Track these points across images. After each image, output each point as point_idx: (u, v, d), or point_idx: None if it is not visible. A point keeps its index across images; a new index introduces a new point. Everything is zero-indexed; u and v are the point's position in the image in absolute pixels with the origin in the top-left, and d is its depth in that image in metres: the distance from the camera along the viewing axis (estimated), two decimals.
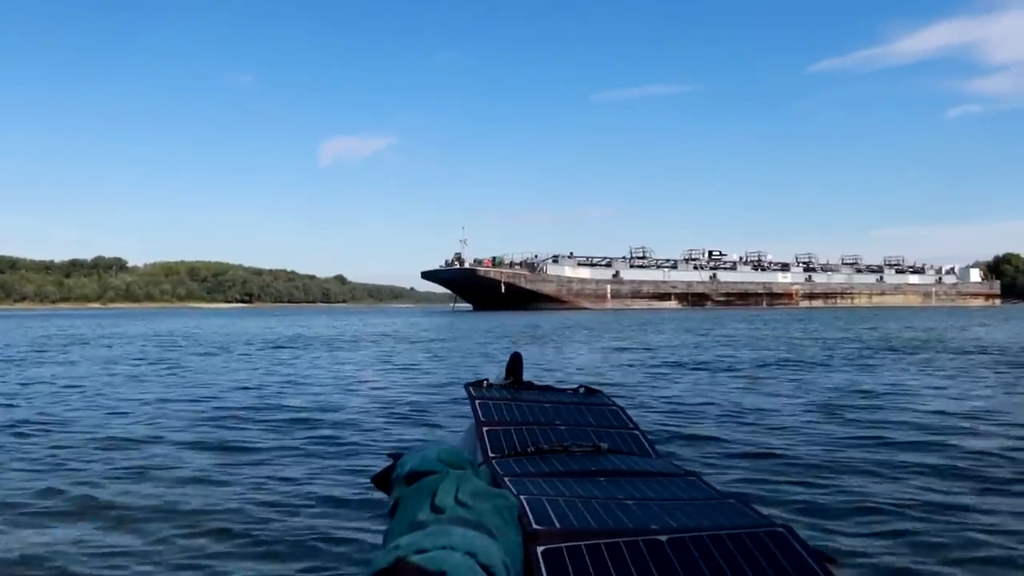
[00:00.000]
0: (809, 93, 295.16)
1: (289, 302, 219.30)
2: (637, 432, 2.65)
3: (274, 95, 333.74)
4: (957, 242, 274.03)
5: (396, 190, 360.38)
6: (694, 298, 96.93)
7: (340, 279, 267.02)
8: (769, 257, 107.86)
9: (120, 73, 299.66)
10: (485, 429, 2.52)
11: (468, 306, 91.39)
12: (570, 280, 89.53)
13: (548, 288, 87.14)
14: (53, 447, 6.40)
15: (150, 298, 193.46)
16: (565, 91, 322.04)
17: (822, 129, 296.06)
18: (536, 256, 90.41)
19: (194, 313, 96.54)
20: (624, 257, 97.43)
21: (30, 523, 4.28)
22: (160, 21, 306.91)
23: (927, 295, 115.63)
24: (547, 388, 3.13)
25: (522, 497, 1.76)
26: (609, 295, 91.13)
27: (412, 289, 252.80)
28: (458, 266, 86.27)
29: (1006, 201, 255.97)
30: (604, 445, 2.41)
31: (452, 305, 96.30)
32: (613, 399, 3.00)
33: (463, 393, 3.04)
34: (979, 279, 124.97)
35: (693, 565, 1.46)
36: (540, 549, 1.49)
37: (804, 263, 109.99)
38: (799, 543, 1.53)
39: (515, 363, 3.28)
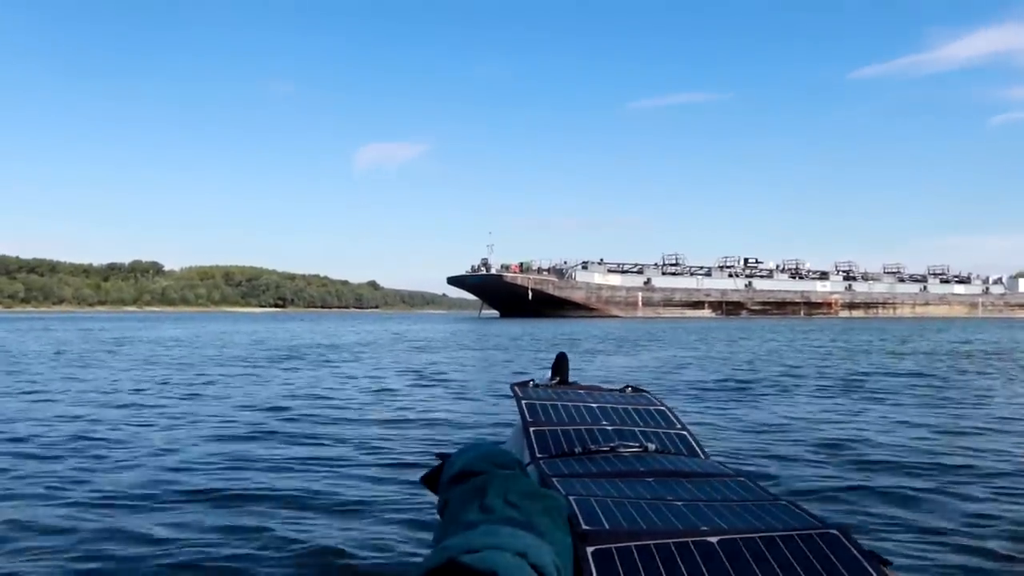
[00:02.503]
0: (849, 100, 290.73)
1: (322, 307, 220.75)
2: (685, 432, 2.62)
3: (313, 102, 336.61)
4: (1000, 251, 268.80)
5: (429, 196, 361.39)
6: (728, 307, 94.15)
7: (373, 284, 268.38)
8: (807, 265, 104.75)
9: (161, 79, 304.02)
10: (532, 430, 2.51)
11: (495, 313, 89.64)
12: (600, 287, 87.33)
13: (577, 295, 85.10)
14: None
15: (185, 302, 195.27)
16: (600, 99, 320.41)
17: (862, 136, 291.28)
18: (565, 262, 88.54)
19: (229, 317, 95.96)
20: (656, 264, 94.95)
21: None
22: (203, 29, 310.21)
23: (973, 306, 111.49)
24: (593, 388, 3.08)
25: (571, 497, 1.77)
26: (640, 303, 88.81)
27: (444, 295, 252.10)
28: (485, 272, 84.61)
29: None
30: (652, 446, 2.40)
31: (479, 312, 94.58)
32: (661, 399, 2.94)
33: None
34: None
35: (745, 567, 1.45)
36: (590, 550, 1.49)
37: (844, 272, 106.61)
38: (853, 545, 1.51)
39: (561, 363, 3.23)
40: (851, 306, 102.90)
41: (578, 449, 2.37)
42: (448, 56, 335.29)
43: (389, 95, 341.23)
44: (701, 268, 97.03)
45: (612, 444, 2.40)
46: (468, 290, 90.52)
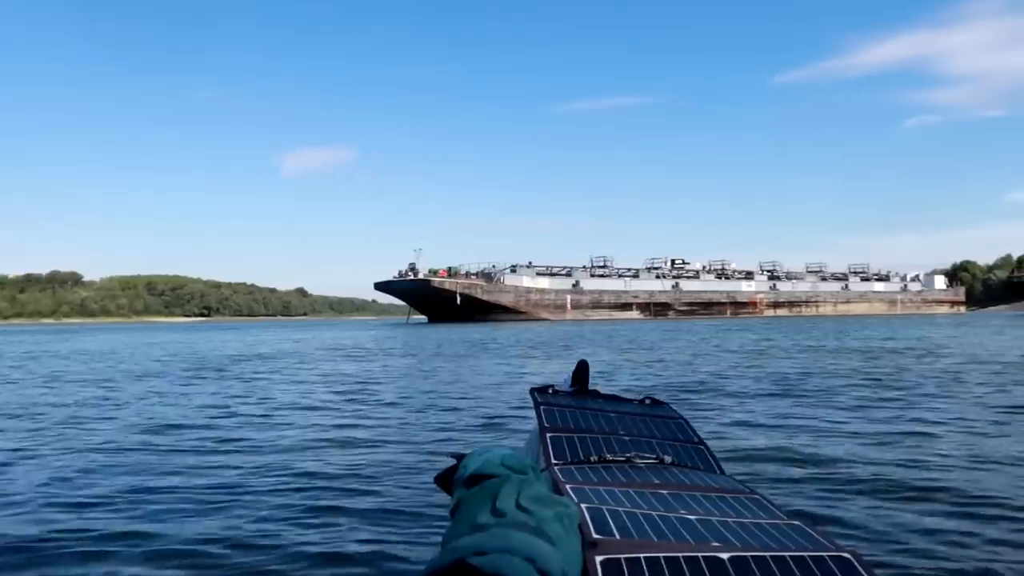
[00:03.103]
0: (772, 104, 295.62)
1: (249, 315, 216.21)
2: (702, 447, 2.61)
3: (237, 108, 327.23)
4: (917, 250, 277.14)
5: (358, 201, 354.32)
6: (656, 308, 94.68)
7: (301, 292, 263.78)
8: (733, 266, 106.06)
9: (77, 82, 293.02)
10: (549, 435, 2.50)
11: (423, 318, 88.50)
12: (528, 290, 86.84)
13: (506, 299, 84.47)
14: None
15: (106, 313, 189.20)
16: (527, 102, 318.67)
17: (784, 139, 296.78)
18: (494, 266, 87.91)
19: (150, 327, 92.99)
20: (585, 266, 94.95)
21: None
22: (121, 32, 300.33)
23: (893, 303, 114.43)
24: (612, 397, 3.08)
25: (583, 506, 1.77)
26: (569, 305, 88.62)
27: (373, 301, 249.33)
28: (412, 277, 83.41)
29: (963, 210, 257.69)
30: (668, 458, 2.40)
31: (407, 318, 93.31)
32: (679, 411, 2.93)
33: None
34: (944, 286, 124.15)
35: None
36: (599, 559, 1.48)
37: (768, 271, 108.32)
38: (866, 569, 1.50)
39: (582, 370, 3.22)
40: (776, 305, 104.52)
41: (594, 457, 2.35)
42: (375, 60, 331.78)
43: (315, 100, 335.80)
44: (629, 270, 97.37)
45: (628, 454, 2.38)
46: (396, 296, 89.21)
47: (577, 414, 2.76)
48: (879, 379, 12.84)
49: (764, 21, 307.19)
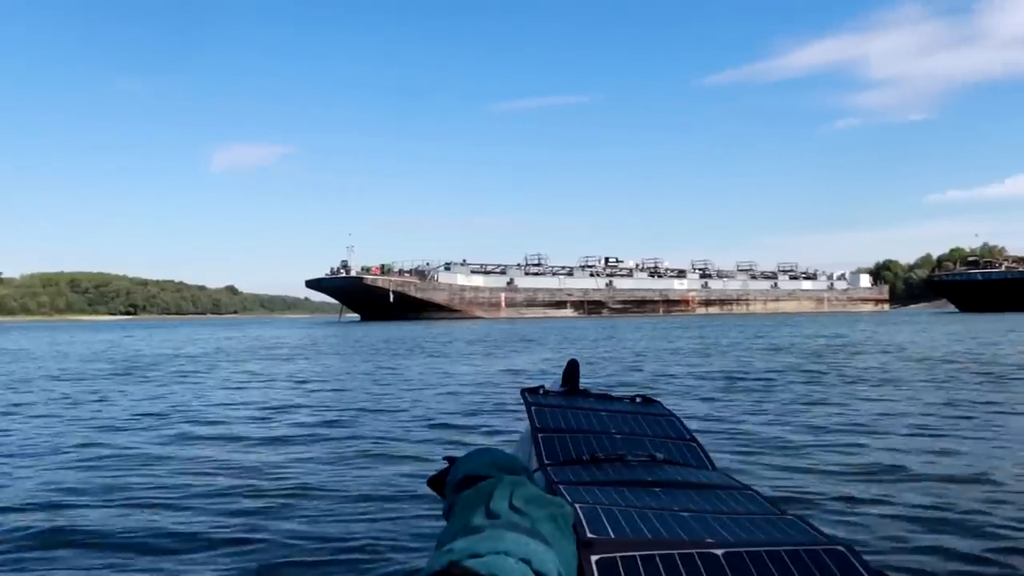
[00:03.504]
0: (703, 105, 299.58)
1: (177, 314, 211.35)
2: (694, 443, 2.61)
3: (165, 102, 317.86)
4: (843, 250, 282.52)
5: (291, 199, 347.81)
6: (590, 306, 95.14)
7: (231, 289, 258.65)
8: (666, 264, 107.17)
9: None
10: (541, 436, 2.50)
11: (356, 316, 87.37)
12: (463, 288, 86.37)
13: (439, 297, 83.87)
14: None
15: (26, 311, 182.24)
16: (463, 100, 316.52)
17: (716, 140, 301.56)
18: (428, 264, 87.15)
19: (73, 325, 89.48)
20: (519, 264, 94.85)
21: None
22: (42, 24, 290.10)
23: (820, 301, 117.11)
24: (603, 396, 3.09)
25: (577, 505, 1.77)
26: (503, 303, 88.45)
27: (306, 299, 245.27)
28: (344, 274, 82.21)
29: (886, 211, 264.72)
30: (660, 455, 2.41)
31: (339, 316, 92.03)
32: (670, 409, 2.94)
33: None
34: (869, 285, 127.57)
35: None
36: (594, 558, 1.49)
37: (700, 270, 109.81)
38: (859, 562, 1.49)
39: (572, 370, 3.22)
40: (707, 303, 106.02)
41: (586, 456, 2.34)
42: (309, 57, 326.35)
43: (248, 95, 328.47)
44: (563, 268, 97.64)
45: (620, 452, 2.39)
46: (327, 293, 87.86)
47: (568, 414, 2.74)
48: (830, 373, 12.83)
49: (694, 23, 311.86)
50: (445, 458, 1.84)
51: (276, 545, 3.90)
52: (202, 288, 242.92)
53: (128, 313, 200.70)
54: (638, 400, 3.09)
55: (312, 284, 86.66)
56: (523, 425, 2.89)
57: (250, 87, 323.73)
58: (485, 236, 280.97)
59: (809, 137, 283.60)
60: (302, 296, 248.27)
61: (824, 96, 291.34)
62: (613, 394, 3.14)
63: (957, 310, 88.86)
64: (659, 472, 2.25)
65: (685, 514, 1.80)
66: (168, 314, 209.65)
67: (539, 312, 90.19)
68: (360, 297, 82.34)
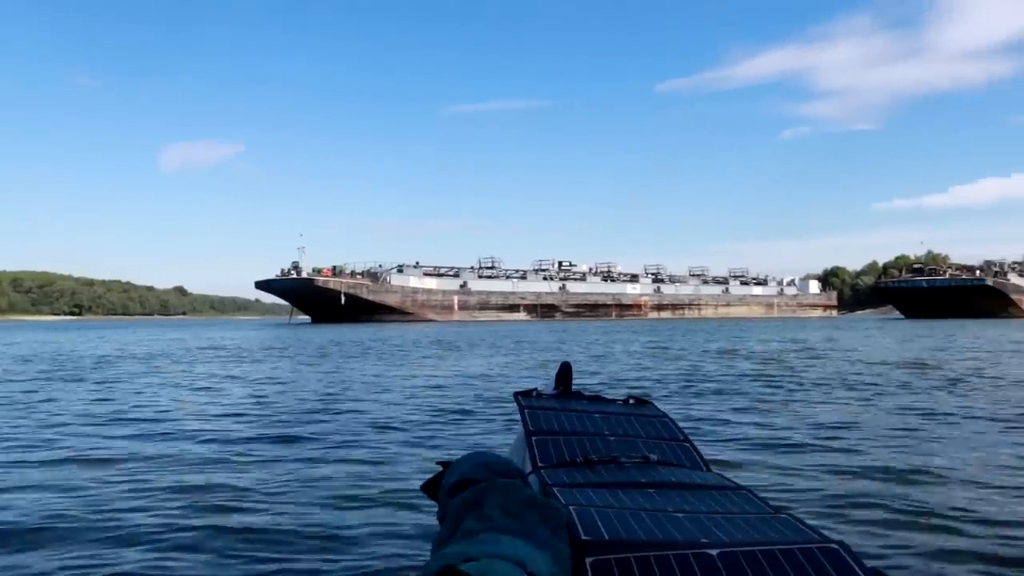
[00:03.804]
0: (657, 111, 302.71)
1: (124, 314, 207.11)
2: (687, 444, 2.61)
3: (112, 99, 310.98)
4: (792, 256, 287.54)
5: (243, 198, 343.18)
6: (543, 309, 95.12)
7: (180, 290, 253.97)
8: (619, 268, 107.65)
9: None
10: (534, 438, 2.49)
11: (307, 318, 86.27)
12: (415, 291, 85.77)
13: (392, 299, 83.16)
14: None
15: None
16: (419, 102, 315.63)
17: (670, 146, 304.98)
18: (380, 266, 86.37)
19: (14, 326, 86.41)
20: (472, 267, 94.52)
21: None
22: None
23: (770, 306, 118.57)
24: (596, 398, 3.08)
25: (571, 507, 1.77)
26: (456, 306, 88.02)
27: (257, 301, 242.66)
28: (295, 276, 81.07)
29: (834, 218, 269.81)
30: (654, 456, 2.41)
31: (289, 318, 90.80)
32: (663, 410, 2.95)
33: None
34: (817, 291, 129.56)
35: None
36: (589, 560, 1.48)
37: (653, 275, 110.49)
38: (854, 560, 1.50)
39: (565, 372, 3.21)
40: (660, 307, 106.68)
41: (580, 459, 2.34)
42: (261, 55, 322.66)
43: (199, 93, 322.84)
44: (517, 271, 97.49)
45: (614, 454, 2.38)
46: (277, 295, 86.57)
47: (562, 416, 2.73)
48: (797, 377, 12.79)
49: (650, 30, 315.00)
50: (439, 462, 1.83)
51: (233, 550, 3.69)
52: (150, 289, 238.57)
53: (73, 314, 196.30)
54: (631, 401, 3.09)
55: (262, 285, 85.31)
56: (516, 428, 2.88)
57: (201, 85, 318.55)
58: (439, 238, 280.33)
59: (760, 145, 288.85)
60: (253, 298, 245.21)
61: (775, 105, 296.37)
62: (606, 396, 3.13)
63: (903, 316, 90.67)
64: (653, 473, 2.24)
65: (680, 515, 1.79)
66: (114, 315, 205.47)
67: (492, 315, 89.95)
68: (311, 299, 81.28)
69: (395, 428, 7.77)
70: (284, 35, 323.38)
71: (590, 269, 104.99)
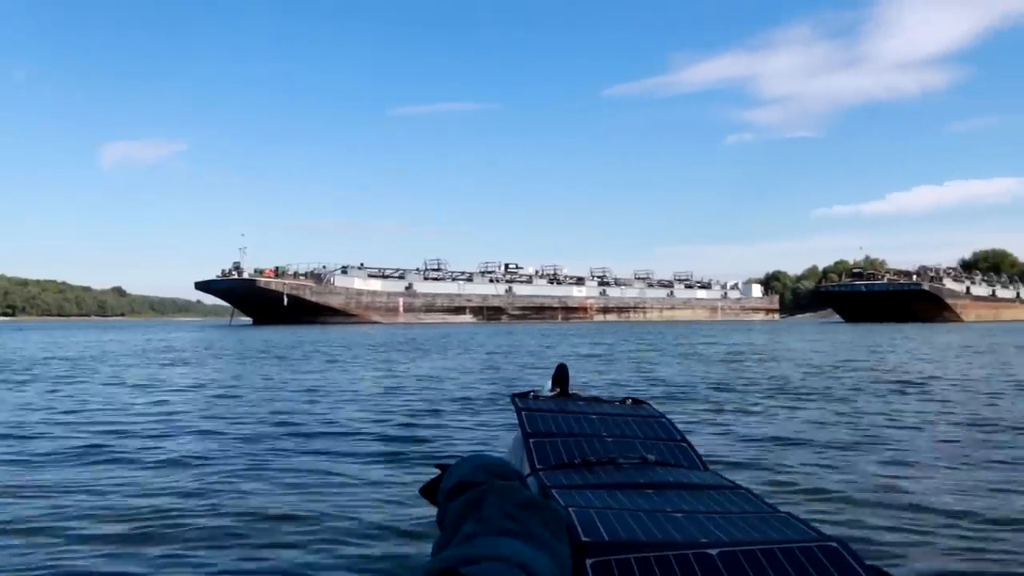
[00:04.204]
0: (605, 115, 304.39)
1: (59, 315, 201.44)
2: (685, 444, 2.63)
3: (53, 95, 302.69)
4: (735, 260, 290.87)
5: (185, 198, 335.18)
6: (490, 312, 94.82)
7: (119, 291, 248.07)
8: (565, 271, 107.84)
9: None
10: (532, 440, 2.50)
11: (248, 320, 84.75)
12: (360, 292, 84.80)
13: (336, 301, 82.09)
14: None
15: None
16: (364, 103, 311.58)
17: (616, 150, 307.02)
18: (324, 267, 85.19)
19: None
20: (418, 269, 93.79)
21: None
22: None
23: (714, 309, 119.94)
24: (594, 399, 3.10)
25: (570, 509, 1.78)
26: (401, 308, 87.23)
27: (198, 302, 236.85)
28: (236, 276, 79.57)
29: (775, 224, 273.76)
30: (652, 457, 2.41)
31: (230, 319, 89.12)
32: (660, 411, 2.97)
33: None
34: (760, 294, 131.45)
35: None
36: (589, 562, 1.49)
37: (599, 277, 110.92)
38: (853, 558, 1.50)
39: (561, 374, 3.25)
40: (605, 310, 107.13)
41: (578, 460, 2.34)
42: (206, 54, 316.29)
43: (141, 91, 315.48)
44: (463, 273, 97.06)
45: (612, 455, 2.38)
46: (218, 296, 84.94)
47: (559, 418, 2.71)
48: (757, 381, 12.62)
49: (597, 35, 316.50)
50: (437, 465, 1.82)
51: None
52: (87, 289, 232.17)
53: (5, 314, 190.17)
54: (628, 402, 3.07)
55: (202, 286, 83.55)
56: (514, 430, 2.86)
57: (143, 82, 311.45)
58: (385, 240, 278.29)
59: (705, 150, 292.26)
60: (195, 299, 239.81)
61: (720, 111, 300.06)
62: (603, 397, 3.14)
63: (842, 320, 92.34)
64: (651, 474, 2.23)
65: (679, 515, 1.79)
66: (50, 315, 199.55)
67: (438, 318, 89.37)
68: (253, 300, 79.85)
69: (336, 435, 7.44)
70: (228, 34, 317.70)
71: (536, 271, 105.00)
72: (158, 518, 4.36)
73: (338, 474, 5.56)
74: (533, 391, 3.15)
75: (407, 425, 8.08)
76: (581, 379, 13.49)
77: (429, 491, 1.80)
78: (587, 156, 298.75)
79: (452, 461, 1.75)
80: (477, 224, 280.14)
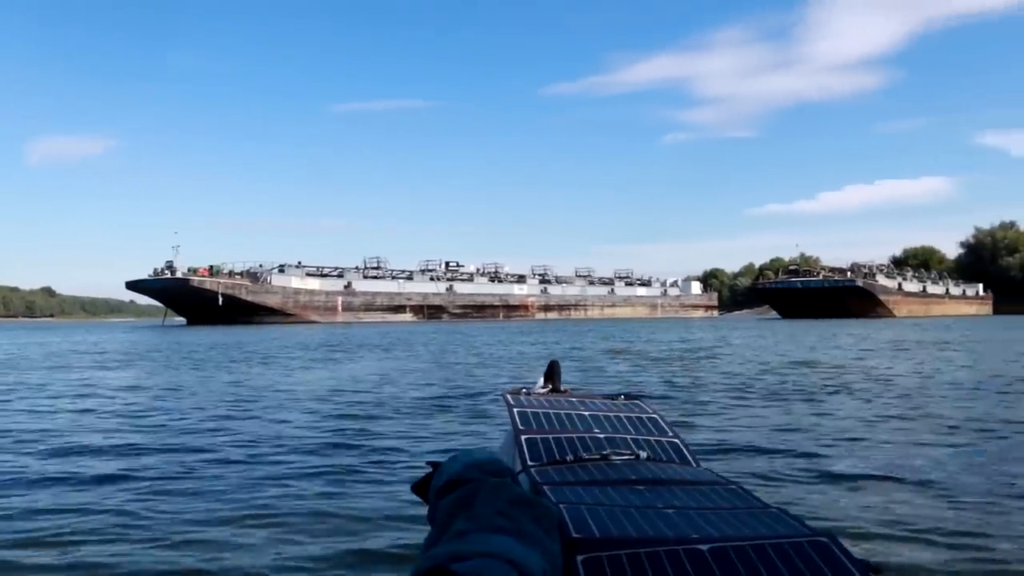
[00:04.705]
0: (546, 114, 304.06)
1: None
2: (677, 440, 2.63)
3: None
4: (675, 258, 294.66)
5: (117, 197, 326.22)
6: (430, 310, 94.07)
7: (48, 291, 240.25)
8: (506, 269, 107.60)
9: None
10: (523, 437, 2.50)
11: (182, 320, 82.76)
12: (297, 291, 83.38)
13: (272, 300, 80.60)
14: None
15: None
16: (302, 100, 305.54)
17: (557, 149, 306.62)
18: (261, 265, 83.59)
19: None
20: (357, 268, 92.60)
21: None
22: None
23: (654, 307, 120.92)
24: (585, 396, 3.11)
25: (561, 505, 1.78)
26: (340, 307, 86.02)
27: (132, 302, 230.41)
28: (169, 275, 77.61)
29: (712, 221, 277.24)
30: (644, 453, 2.42)
31: (163, 320, 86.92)
32: (653, 407, 2.96)
33: None
34: (699, 291, 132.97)
35: (735, 575, 1.46)
36: (580, 558, 1.49)
37: (540, 275, 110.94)
38: (843, 553, 1.51)
39: (553, 370, 3.25)
40: (547, 308, 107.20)
41: (569, 457, 2.34)
42: (138, 48, 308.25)
43: (69, 85, 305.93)
44: (403, 272, 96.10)
45: (604, 452, 2.38)
46: (150, 295, 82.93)
47: (551, 414, 2.71)
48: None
49: (535, 34, 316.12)
50: (428, 462, 1.81)
51: None
52: (14, 290, 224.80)
53: None
54: (621, 398, 3.05)
55: (132, 286, 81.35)
56: (505, 427, 2.84)
57: (71, 76, 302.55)
58: (324, 239, 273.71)
59: (643, 150, 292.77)
60: (128, 299, 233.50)
61: (656, 111, 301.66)
62: (595, 393, 3.09)
63: (779, 316, 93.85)
64: (643, 470, 2.22)
65: (670, 511, 1.79)
66: None
67: (377, 316, 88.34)
68: (186, 300, 78.00)
69: (260, 459, 6.81)
70: (161, 28, 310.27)
71: (477, 270, 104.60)
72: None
73: (264, 506, 4.79)
74: (525, 387, 3.13)
75: (345, 432, 7.65)
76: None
77: (420, 488, 1.78)
78: (527, 154, 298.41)
79: (443, 458, 1.75)
80: (418, 222, 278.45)
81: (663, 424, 2.75)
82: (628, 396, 3.07)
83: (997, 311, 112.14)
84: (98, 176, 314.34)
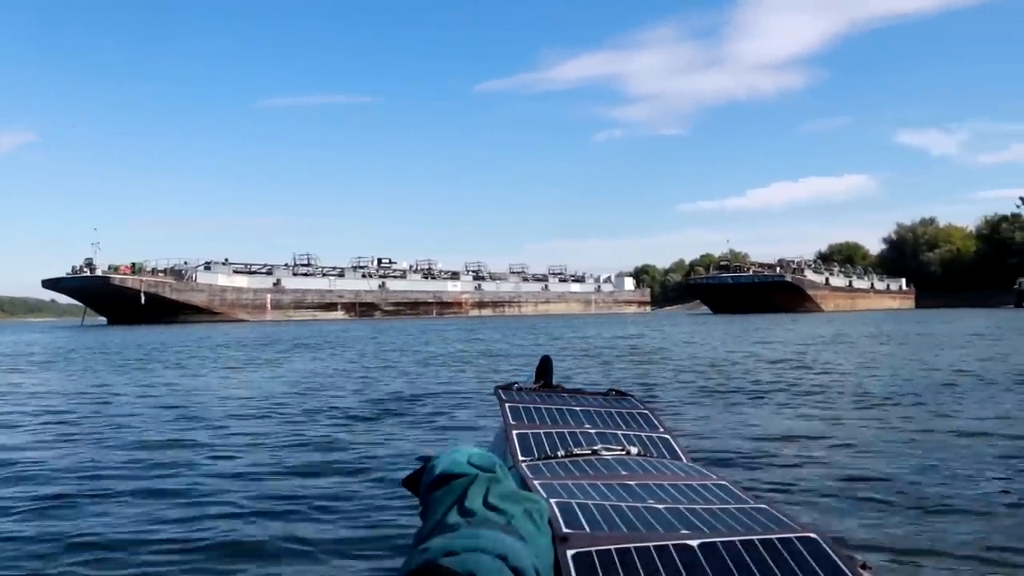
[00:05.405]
0: (475, 111, 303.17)
1: None
2: (667, 436, 2.66)
3: None
4: (607, 255, 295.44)
5: (37, 193, 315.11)
6: (362, 308, 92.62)
7: None
8: (439, 266, 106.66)
9: None
10: (515, 432, 2.54)
11: (103, 319, 79.80)
12: (224, 289, 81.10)
13: (198, 298, 78.26)
14: None
15: None
16: (228, 94, 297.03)
17: (490, 146, 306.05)
18: (186, 263, 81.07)
19: None
20: (287, 264, 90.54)
21: None
22: None
23: (588, 303, 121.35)
24: (577, 392, 3.10)
25: (552, 501, 1.79)
26: (269, 305, 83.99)
27: (53, 302, 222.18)
28: (88, 273, 74.70)
29: (643, 218, 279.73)
30: (634, 449, 2.44)
31: (82, 320, 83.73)
32: (644, 403, 2.95)
33: None
34: (632, 287, 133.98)
35: (725, 571, 1.47)
36: (570, 553, 1.50)
37: (474, 272, 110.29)
38: (832, 549, 1.54)
39: (545, 366, 3.24)
40: (480, 305, 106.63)
41: (560, 452, 2.37)
42: (58, 38, 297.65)
43: None
44: (334, 269, 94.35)
45: (594, 447, 2.40)
46: (68, 294, 79.73)
47: (542, 410, 2.74)
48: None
49: (468, 29, 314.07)
50: (419, 457, 2.01)
51: None
52: None
53: None
54: (612, 394, 3.04)
55: (50, 284, 78.08)
56: (497, 422, 2.80)
57: None
58: (253, 236, 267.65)
59: (575, 147, 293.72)
60: (48, 298, 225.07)
61: (588, 108, 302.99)
62: (586, 389, 3.07)
63: (710, 311, 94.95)
64: (633, 466, 2.22)
65: (660, 507, 1.80)
66: None
67: (308, 314, 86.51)
68: (106, 299, 75.20)
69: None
70: (83, 19, 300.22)
71: (410, 267, 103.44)
72: None
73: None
74: (516, 383, 3.10)
75: (289, 446, 6.84)
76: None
77: (412, 483, 1.78)
78: (460, 151, 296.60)
79: (435, 453, 1.73)
80: (350, 219, 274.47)
81: (654, 420, 2.74)
82: (618, 392, 3.03)
83: (919, 305, 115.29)
84: (15, 171, 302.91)
